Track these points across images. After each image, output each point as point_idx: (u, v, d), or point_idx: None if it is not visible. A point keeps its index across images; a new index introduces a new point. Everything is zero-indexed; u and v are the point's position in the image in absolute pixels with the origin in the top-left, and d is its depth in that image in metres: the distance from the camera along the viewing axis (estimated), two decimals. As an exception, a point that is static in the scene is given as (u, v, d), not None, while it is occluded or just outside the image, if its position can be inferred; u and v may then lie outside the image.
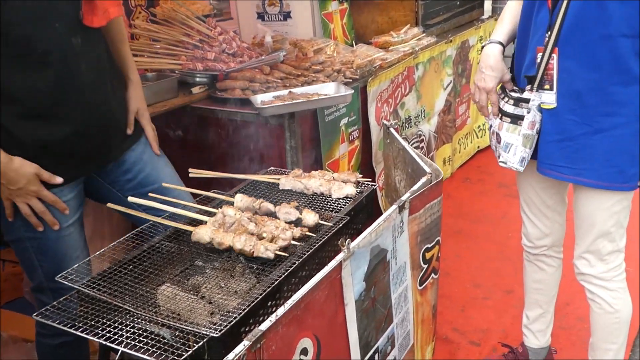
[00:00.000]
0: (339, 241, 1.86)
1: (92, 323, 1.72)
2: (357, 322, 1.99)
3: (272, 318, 1.59)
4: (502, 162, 2.51)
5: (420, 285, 2.46)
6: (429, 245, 2.46)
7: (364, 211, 2.36)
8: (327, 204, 2.33)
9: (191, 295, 1.92)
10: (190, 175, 2.60)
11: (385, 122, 2.97)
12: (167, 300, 1.89)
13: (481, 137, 5.74)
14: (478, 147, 5.74)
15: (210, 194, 2.38)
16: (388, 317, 2.22)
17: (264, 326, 1.57)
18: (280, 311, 1.62)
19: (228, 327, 1.64)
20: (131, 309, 1.75)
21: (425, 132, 4.73)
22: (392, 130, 2.88)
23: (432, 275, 2.54)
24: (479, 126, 5.71)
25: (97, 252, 2.00)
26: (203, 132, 3.42)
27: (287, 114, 3.19)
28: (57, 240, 2.18)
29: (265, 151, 3.23)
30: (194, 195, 2.40)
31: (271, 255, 1.91)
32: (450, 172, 5.29)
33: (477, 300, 3.70)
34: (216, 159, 3.34)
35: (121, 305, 1.76)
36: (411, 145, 4.49)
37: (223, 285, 1.96)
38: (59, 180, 2.11)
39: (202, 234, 2.06)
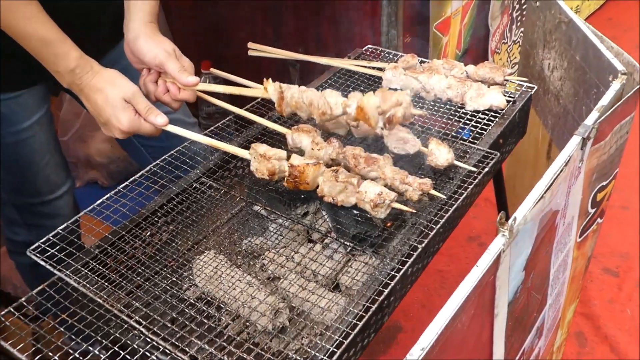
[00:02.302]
0: (498, 219, 1.06)
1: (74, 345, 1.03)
2: (505, 332, 1.25)
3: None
4: None
5: (580, 236, 1.66)
6: (605, 183, 1.62)
7: (515, 133, 1.51)
8: (457, 120, 1.49)
9: (244, 272, 1.21)
10: (250, 52, 1.77)
11: (534, -26, 1.99)
12: (208, 281, 1.19)
13: (616, -21, 4.53)
14: (610, -8, 4.55)
15: (275, 92, 1.56)
16: (542, 303, 1.46)
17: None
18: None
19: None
20: (142, 330, 1.03)
21: (554, -25, 3.61)
22: (547, -12, 1.91)
23: (598, 220, 1.73)
24: (615, -35, 4.48)
25: (99, 201, 1.27)
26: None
27: (386, -46, 2.24)
28: (14, 145, 1.54)
29: (354, 9, 2.32)
30: (247, 99, 1.58)
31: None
32: (575, 27, 4.20)
33: (612, 210, 2.87)
34: (288, 28, 2.46)
35: (127, 321, 1.04)
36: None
37: (293, 257, 1.23)
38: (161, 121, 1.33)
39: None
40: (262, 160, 1.24)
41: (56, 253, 1.15)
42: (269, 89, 1.35)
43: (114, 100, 1.28)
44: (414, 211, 1.19)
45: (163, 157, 1.39)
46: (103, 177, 3.09)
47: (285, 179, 1.26)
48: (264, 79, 1.39)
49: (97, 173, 3.10)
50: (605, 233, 2.76)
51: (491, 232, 2.73)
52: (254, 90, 1.40)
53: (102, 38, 1.55)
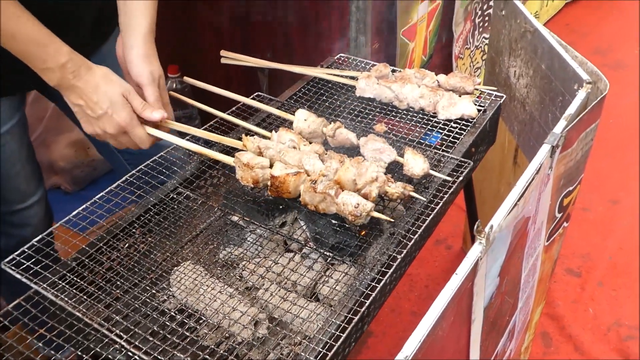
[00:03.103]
0: (475, 227, 1.08)
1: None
2: (480, 337, 1.28)
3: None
4: None
5: (547, 240, 1.71)
6: (571, 188, 1.67)
7: (485, 141, 1.54)
8: (430, 130, 1.51)
9: (224, 284, 1.21)
10: (223, 60, 1.77)
11: (500, -17, 2.03)
12: (188, 293, 1.18)
13: (573, -15, 4.65)
14: (567, -2, 4.68)
15: (249, 101, 1.56)
16: (513, 307, 1.50)
17: None
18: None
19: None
20: (123, 344, 1.02)
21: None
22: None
23: (564, 224, 1.78)
24: (572, -29, 4.60)
25: (75, 212, 1.25)
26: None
27: (354, -39, 2.26)
28: None
29: (322, 15, 2.33)
30: (227, 104, 1.58)
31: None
32: (535, 32, 4.29)
33: (573, 212, 2.95)
34: (256, 33, 2.45)
35: (107, 334, 1.03)
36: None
37: (272, 268, 1.23)
38: (157, 116, 1.33)
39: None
40: (246, 169, 1.25)
41: (32, 266, 1.13)
42: (248, 145, 1.35)
43: (113, 96, 1.26)
44: (392, 220, 1.21)
45: (139, 167, 1.38)
46: (67, 182, 3.03)
47: (268, 188, 1.27)
48: (243, 136, 1.37)
49: (61, 178, 3.04)
50: (567, 234, 2.83)
51: (458, 235, 2.78)
52: (232, 140, 1.39)
53: (81, 42, 1.52)
